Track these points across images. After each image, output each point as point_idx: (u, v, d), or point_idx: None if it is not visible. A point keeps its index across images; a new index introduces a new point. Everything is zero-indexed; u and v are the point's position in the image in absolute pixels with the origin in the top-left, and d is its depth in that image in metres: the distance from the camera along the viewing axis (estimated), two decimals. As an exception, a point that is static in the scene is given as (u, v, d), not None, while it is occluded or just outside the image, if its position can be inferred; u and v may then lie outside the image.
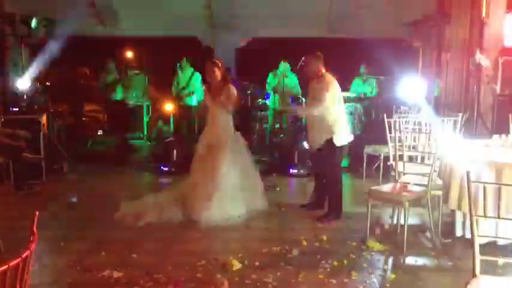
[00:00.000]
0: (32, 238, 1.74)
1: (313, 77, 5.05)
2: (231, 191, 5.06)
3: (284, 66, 8.89)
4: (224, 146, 5.16)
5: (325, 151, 5.00)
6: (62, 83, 10.19)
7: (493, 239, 3.79)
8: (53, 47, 8.83)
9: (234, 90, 5.23)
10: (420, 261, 3.97)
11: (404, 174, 4.59)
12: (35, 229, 1.77)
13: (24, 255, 1.62)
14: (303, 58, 8.43)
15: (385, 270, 3.76)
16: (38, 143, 6.48)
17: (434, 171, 4.41)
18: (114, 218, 4.94)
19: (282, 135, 8.20)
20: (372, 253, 4.12)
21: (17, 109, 6.80)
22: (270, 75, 9.16)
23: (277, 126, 8.96)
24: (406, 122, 5.63)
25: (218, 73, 5.18)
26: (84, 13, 10.30)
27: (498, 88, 6.92)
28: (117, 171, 7.31)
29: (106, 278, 3.59)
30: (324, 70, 5.05)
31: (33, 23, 7.75)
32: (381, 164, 6.34)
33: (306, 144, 5.26)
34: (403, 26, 8.59)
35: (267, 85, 9.14)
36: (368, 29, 10.33)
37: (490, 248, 3.78)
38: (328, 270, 3.75)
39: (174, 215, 4.93)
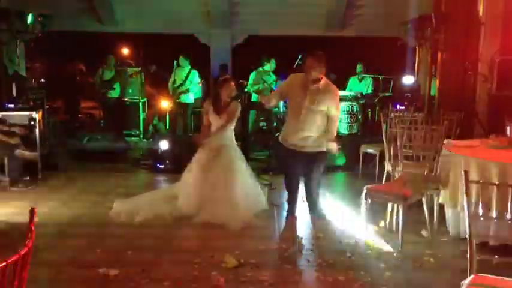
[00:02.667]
0: (29, 235, 1.73)
1: (316, 81, 4.63)
2: (248, 193, 5.13)
3: (270, 65, 8.74)
4: (235, 153, 5.23)
5: (323, 155, 4.82)
6: (57, 79, 10.16)
7: (485, 239, 3.81)
8: (49, 43, 8.78)
9: (239, 107, 5.28)
10: (416, 259, 3.98)
11: (400, 172, 4.61)
12: (32, 226, 1.76)
13: (22, 252, 1.61)
14: (300, 57, 8.43)
15: (381, 269, 3.77)
16: (34, 140, 6.45)
17: (430, 169, 4.43)
18: (109, 215, 4.93)
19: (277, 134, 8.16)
20: (368, 251, 4.13)
21: (12, 105, 6.76)
22: (253, 74, 8.92)
23: (262, 124, 8.85)
24: (402, 120, 5.65)
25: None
26: (81, 9, 10.27)
27: (494, 88, 6.95)
28: (112, 168, 7.28)
29: (102, 275, 3.59)
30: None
31: (29, 18, 7.69)
32: (377, 163, 6.36)
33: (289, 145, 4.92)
34: (400, 25, 8.61)
35: (249, 84, 8.89)
36: (365, 28, 10.36)
37: (482, 247, 3.80)
38: (325, 268, 3.76)
39: (170, 212, 4.91)
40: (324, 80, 4.68)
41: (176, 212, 4.93)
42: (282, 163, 5.17)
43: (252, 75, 8.92)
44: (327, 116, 4.66)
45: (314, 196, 4.96)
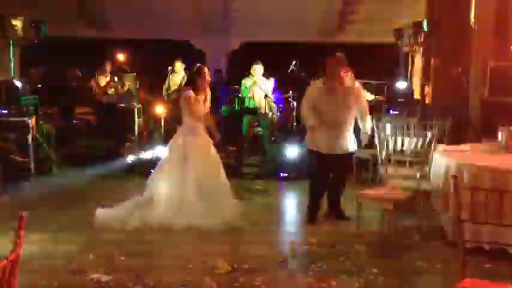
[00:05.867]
0: (19, 241, 1.73)
1: (339, 82, 4.89)
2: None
3: (259, 70, 8.53)
4: (213, 149, 5.21)
5: (349, 157, 5.11)
6: (52, 85, 10.14)
7: (477, 243, 3.83)
8: (44, 49, 8.77)
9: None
10: (408, 264, 3.99)
11: (393, 177, 4.63)
12: (22, 232, 1.77)
13: (11, 258, 1.61)
14: (294, 61, 8.45)
15: (373, 274, 3.78)
16: (27, 145, 6.43)
17: (423, 174, 4.45)
18: (94, 225, 4.82)
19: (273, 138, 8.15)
20: (361, 256, 4.13)
21: (6, 111, 6.73)
22: (246, 79, 8.40)
23: (257, 130, 8.79)
24: (395, 125, 5.67)
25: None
26: (76, 15, 10.29)
27: (486, 93, 6.99)
28: (106, 174, 7.27)
29: (95, 281, 3.58)
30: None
31: (23, 24, 7.70)
32: (371, 167, 6.38)
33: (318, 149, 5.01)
34: (393, 31, 8.68)
35: (243, 89, 8.42)
36: (358, 34, 10.42)
37: (477, 252, 3.82)
38: (318, 273, 3.77)
39: (158, 221, 4.83)
40: (346, 80, 4.90)
41: (164, 219, 4.82)
42: (313, 169, 5.24)
43: (245, 82, 8.39)
44: (358, 112, 4.95)
45: (340, 197, 5.15)
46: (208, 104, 5.25)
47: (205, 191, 4.97)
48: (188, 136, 5.12)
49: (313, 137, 5.02)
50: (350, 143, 4.99)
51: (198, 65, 5.31)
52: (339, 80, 4.85)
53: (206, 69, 5.25)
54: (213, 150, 5.21)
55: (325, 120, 4.92)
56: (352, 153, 5.18)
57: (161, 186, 5.04)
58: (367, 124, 5.02)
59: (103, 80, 9.67)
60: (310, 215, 5.08)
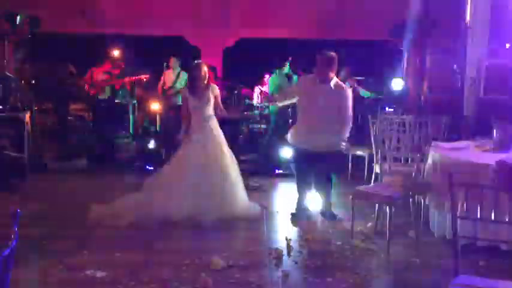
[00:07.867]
0: (12, 236, 1.72)
1: (326, 80, 4.82)
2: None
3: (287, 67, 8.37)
4: (223, 143, 5.20)
5: (335, 156, 4.94)
6: (46, 81, 10.09)
7: (471, 240, 3.85)
8: (39, 44, 8.72)
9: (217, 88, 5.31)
10: (403, 260, 4.01)
11: (388, 174, 4.64)
12: (16, 228, 1.76)
13: (4, 254, 1.61)
14: (290, 59, 8.43)
15: (368, 270, 3.79)
16: (21, 141, 6.40)
17: (418, 171, 4.46)
18: (88, 221, 4.80)
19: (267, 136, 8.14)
20: (356, 253, 4.15)
21: (0, 107, 6.70)
22: (274, 78, 8.15)
23: (263, 126, 8.77)
24: (390, 123, 5.68)
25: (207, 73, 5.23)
26: (70, 10, 10.22)
27: (482, 91, 7.02)
28: (101, 171, 7.25)
29: (89, 277, 3.57)
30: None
31: (17, 19, 7.65)
32: (366, 164, 6.39)
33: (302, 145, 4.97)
34: (389, 28, 8.69)
35: (270, 85, 8.19)
36: (355, 31, 10.42)
37: (471, 248, 3.84)
38: (312, 269, 3.78)
39: (155, 214, 4.82)
40: (334, 80, 4.82)
41: (165, 216, 4.80)
42: (294, 164, 5.23)
43: (274, 79, 8.13)
44: (339, 115, 4.80)
45: (328, 194, 5.05)
46: (219, 102, 5.27)
47: (205, 186, 4.96)
48: (194, 133, 5.17)
49: (294, 133, 5.02)
50: (331, 143, 4.82)
51: (196, 62, 5.35)
52: (327, 78, 4.80)
53: (201, 65, 5.19)
54: (224, 148, 5.19)
55: (307, 116, 4.90)
56: (334, 153, 4.93)
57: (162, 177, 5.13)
58: (344, 131, 4.84)
59: (100, 76, 9.59)
60: (293, 212, 5.11)
